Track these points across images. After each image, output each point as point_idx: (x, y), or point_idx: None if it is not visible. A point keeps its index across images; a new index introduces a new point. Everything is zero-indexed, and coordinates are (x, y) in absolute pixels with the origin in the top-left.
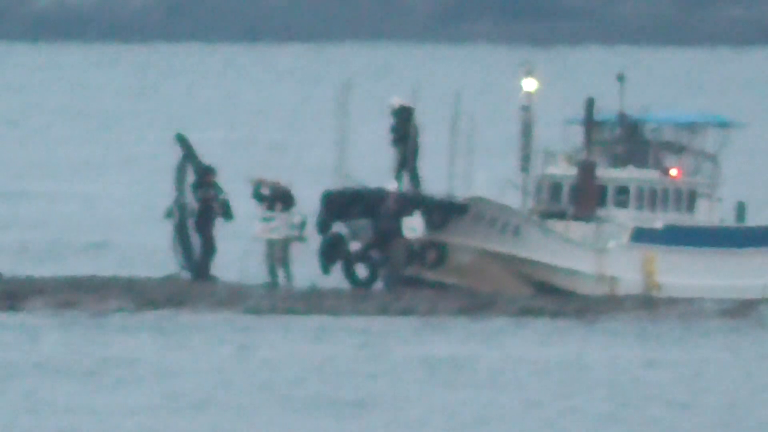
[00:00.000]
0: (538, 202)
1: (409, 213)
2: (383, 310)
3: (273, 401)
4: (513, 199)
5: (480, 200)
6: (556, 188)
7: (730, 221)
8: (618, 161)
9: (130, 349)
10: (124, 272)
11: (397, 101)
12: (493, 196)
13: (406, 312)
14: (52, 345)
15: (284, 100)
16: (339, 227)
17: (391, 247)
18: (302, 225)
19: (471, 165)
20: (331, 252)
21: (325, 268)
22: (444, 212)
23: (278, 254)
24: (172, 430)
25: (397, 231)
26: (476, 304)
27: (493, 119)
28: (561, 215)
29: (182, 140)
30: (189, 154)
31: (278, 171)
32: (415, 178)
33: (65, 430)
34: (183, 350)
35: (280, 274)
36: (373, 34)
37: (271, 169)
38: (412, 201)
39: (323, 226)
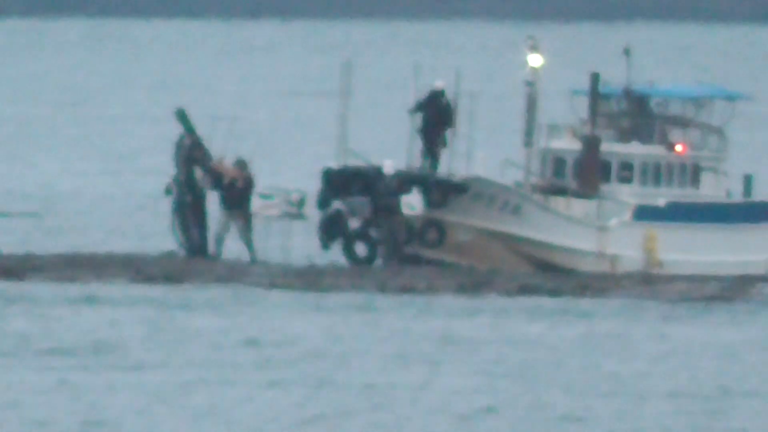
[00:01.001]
0: (543, 176)
1: (410, 190)
2: (382, 288)
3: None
4: (513, 178)
5: (479, 179)
6: (559, 163)
7: (737, 194)
8: (624, 135)
9: (130, 326)
10: (123, 248)
11: (439, 85)
12: (492, 175)
13: (404, 289)
14: (51, 321)
15: (282, 76)
16: (338, 204)
17: (392, 223)
18: (301, 202)
19: (472, 143)
20: (331, 228)
21: (325, 245)
22: (443, 191)
23: (243, 230)
24: (171, 410)
25: (398, 207)
26: (475, 281)
27: (493, 94)
28: (562, 191)
29: (182, 116)
30: (188, 130)
31: (247, 149)
32: (434, 161)
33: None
34: (183, 326)
35: (245, 249)
36: (370, 10)
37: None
38: (413, 179)
39: (324, 202)
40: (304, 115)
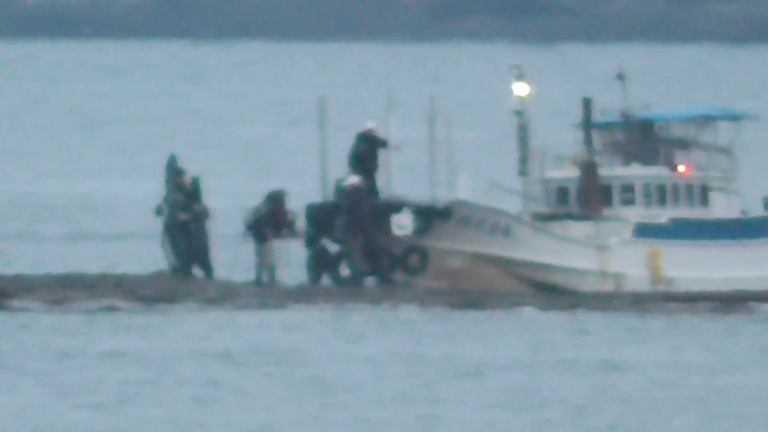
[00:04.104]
0: (547, 206)
1: (359, 209)
2: (374, 306)
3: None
4: (499, 202)
5: (463, 203)
6: (563, 192)
7: (755, 215)
8: (629, 161)
9: (124, 347)
10: (114, 269)
11: (369, 125)
12: (476, 199)
13: (395, 307)
14: (41, 342)
15: (274, 97)
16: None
17: (347, 245)
18: (291, 223)
19: (452, 169)
20: (318, 266)
21: (314, 281)
22: (426, 217)
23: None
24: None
25: (350, 228)
26: (466, 300)
27: (486, 118)
28: (561, 217)
29: (195, 184)
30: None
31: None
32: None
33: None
34: (173, 347)
35: (265, 273)
36: (362, 32)
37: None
38: (394, 205)
39: (311, 240)
40: (292, 136)
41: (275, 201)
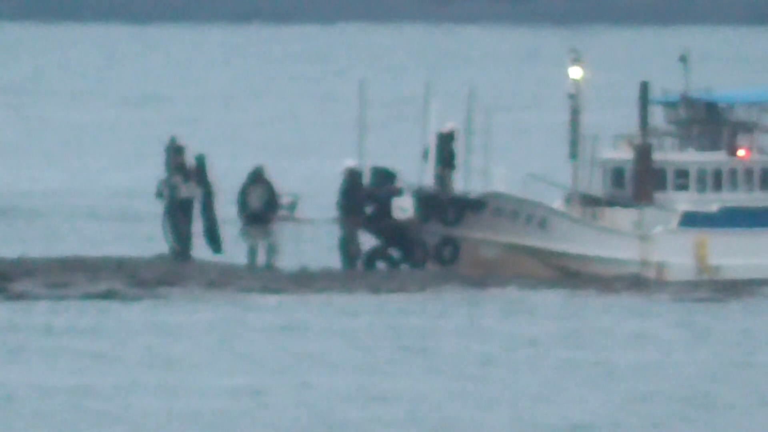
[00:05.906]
0: (603, 187)
1: (356, 192)
2: (374, 290)
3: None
4: (536, 193)
5: (497, 195)
6: (618, 173)
7: None
8: (691, 142)
9: (127, 330)
10: (114, 252)
11: (449, 126)
12: (513, 190)
13: (397, 291)
14: (43, 325)
15: (280, 80)
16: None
17: (345, 226)
18: (292, 206)
19: (489, 159)
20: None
21: (347, 265)
22: (458, 208)
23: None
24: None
25: (349, 210)
26: (469, 284)
27: (532, 103)
28: (604, 203)
29: (201, 162)
30: (203, 176)
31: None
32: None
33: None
34: (175, 331)
35: (261, 254)
36: (366, 14)
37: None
38: (427, 198)
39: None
40: (298, 119)
41: (259, 178)
